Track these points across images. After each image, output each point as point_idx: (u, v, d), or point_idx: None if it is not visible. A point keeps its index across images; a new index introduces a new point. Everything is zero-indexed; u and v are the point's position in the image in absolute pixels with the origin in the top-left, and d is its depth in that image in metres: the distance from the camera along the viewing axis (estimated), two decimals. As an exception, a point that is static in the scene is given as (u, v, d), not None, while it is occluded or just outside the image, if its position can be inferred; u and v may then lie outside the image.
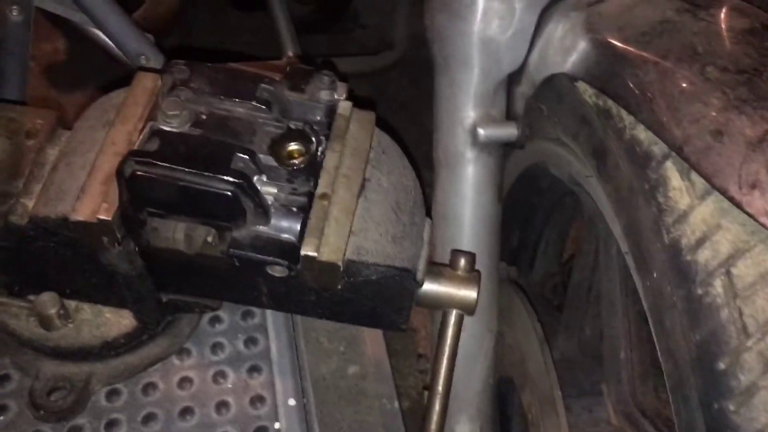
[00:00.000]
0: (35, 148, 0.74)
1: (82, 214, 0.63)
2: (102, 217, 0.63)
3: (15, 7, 0.96)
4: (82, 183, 0.66)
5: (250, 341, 0.89)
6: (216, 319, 0.90)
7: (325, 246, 0.63)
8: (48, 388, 0.81)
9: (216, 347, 0.88)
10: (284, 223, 0.64)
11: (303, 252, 0.63)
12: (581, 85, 0.74)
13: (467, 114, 0.89)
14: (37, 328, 0.79)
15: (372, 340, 1.23)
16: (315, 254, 0.63)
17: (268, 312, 0.92)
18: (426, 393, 1.25)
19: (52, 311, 0.77)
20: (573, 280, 1.03)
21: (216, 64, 0.68)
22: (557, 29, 0.81)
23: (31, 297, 0.79)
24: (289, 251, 0.64)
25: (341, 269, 0.64)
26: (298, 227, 0.64)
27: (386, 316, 0.74)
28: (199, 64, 0.67)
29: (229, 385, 0.85)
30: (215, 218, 0.63)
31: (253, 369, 0.87)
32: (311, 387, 1.02)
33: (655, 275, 0.63)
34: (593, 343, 1.03)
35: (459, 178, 0.92)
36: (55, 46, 2.18)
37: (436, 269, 0.76)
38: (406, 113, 1.81)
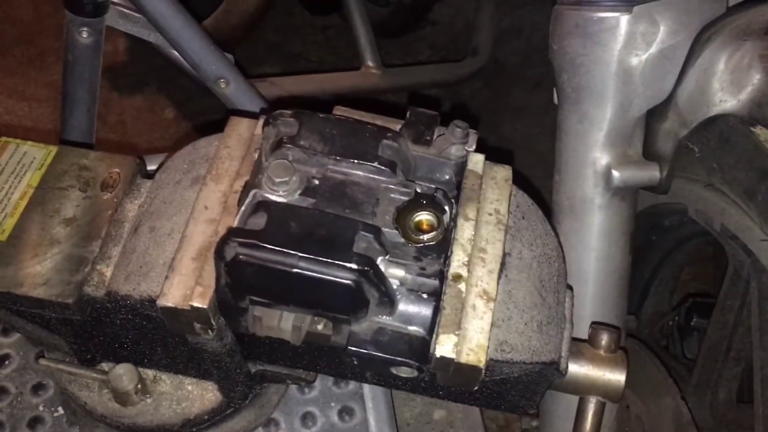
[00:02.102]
0: (113, 203, 0.64)
1: (172, 298, 0.53)
2: (196, 304, 0.52)
3: (85, 29, 0.86)
4: (169, 256, 0.55)
5: (345, 412, 0.78)
6: (306, 386, 0.80)
7: (464, 343, 0.52)
8: (122, 466, 0.71)
9: (307, 418, 0.77)
10: (413, 313, 0.52)
11: (438, 353, 0.51)
12: (762, 132, 0.61)
13: (599, 154, 0.76)
14: (111, 402, 0.70)
15: (459, 381, 1.11)
16: (453, 356, 0.51)
17: (364, 376, 0.81)
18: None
19: (129, 387, 0.67)
20: (708, 340, 0.89)
21: (328, 114, 0.56)
22: (720, 60, 0.67)
23: (105, 366, 0.69)
24: (418, 349, 0.52)
25: (482, 372, 0.52)
26: (429, 317, 0.52)
27: (515, 402, 0.63)
28: (308, 115, 0.55)
29: (324, 465, 0.75)
30: (332, 310, 0.52)
31: (350, 445, 0.76)
32: (394, 435, 0.90)
33: None
34: (729, 408, 0.90)
35: (585, 226, 0.79)
36: (116, 45, 2.11)
37: (575, 348, 0.64)
38: (484, 126, 1.68)
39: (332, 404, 0.79)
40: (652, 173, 0.76)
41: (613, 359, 0.64)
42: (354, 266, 0.49)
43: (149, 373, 0.71)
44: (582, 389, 0.64)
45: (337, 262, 0.49)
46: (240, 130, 0.61)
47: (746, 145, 0.63)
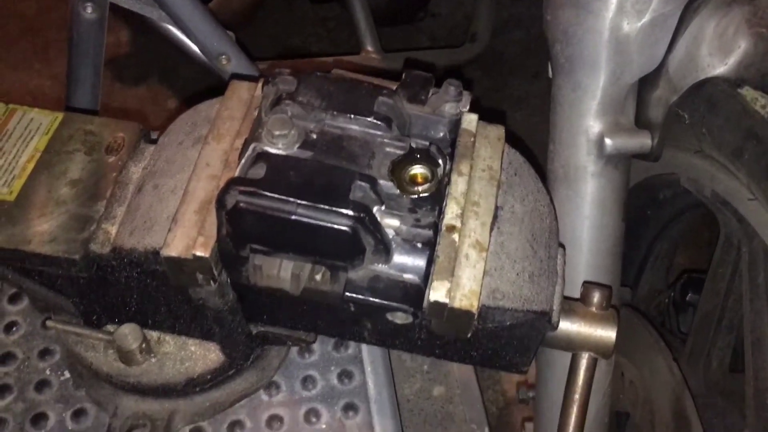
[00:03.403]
0: (117, 166, 0.66)
1: (174, 249, 0.55)
2: (198, 253, 0.54)
3: (89, 4, 0.88)
4: (173, 210, 0.57)
5: (345, 375, 0.80)
6: (306, 350, 0.81)
7: (457, 290, 0.54)
8: (127, 426, 0.73)
9: (307, 381, 0.79)
10: (408, 262, 0.54)
11: (432, 298, 0.53)
12: (748, 93, 0.63)
13: (592, 122, 0.78)
14: (116, 362, 0.72)
15: (458, 358, 1.13)
16: (446, 300, 0.53)
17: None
18: (528, 426, 1.16)
19: (134, 346, 0.69)
20: (701, 308, 0.91)
21: (325, 74, 0.58)
22: (709, 26, 0.69)
23: (110, 327, 0.71)
24: (413, 295, 0.54)
25: (475, 316, 0.54)
26: (423, 266, 0.54)
27: (509, 359, 0.65)
28: (306, 74, 0.57)
29: (323, 426, 0.76)
30: (329, 257, 0.53)
31: (349, 407, 0.78)
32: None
33: None
34: (722, 376, 0.91)
35: (579, 194, 0.81)
36: (118, 37, 2.13)
37: (567, 306, 0.66)
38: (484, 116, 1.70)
39: (332, 368, 0.80)
40: (643, 140, 0.78)
41: (604, 316, 0.66)
42: (350, 212, 0.51)
43: (153, 334, 0.72)
44: (574, 345, 0.66)
45: (334, 208, 0.51)
46: (240, 92, 0.63)
47: (733, 106, 0.65)
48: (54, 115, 0.69)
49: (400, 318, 0.55)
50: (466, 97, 0.61)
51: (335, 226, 0.51)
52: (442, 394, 1.20)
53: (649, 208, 1.02)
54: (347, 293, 0.54)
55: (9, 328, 0.81)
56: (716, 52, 0.67)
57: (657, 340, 0.87)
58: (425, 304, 0.54)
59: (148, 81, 2.00)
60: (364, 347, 0.83)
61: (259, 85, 0.62)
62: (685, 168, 0.81)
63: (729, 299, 0.88)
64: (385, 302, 0.54)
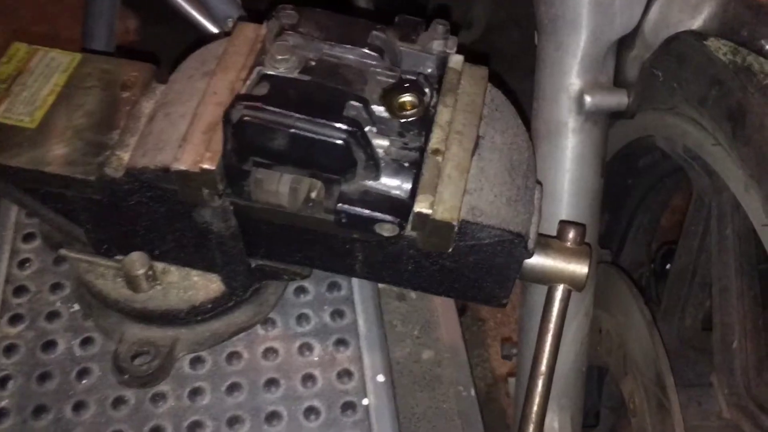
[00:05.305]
0: (131, 101, 0.72)
1: (184, 162, 0.60)
2: (206, 166, 0.59)
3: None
4: (183, 132, 0.63)
5: (337, 314, 0.85)
6: (301, 290, 0.87)
7: (440, 204, 0.59)
8: (132, 352, 0.78)
9: (301, 318, 0.84)
10: (395, 179, 0.60)
11: (416, 209, 0.58)
12: (713, 43, 0.68)
13: (573, 80, 0.83)
14: (123, 289, 0.77)
15: (447, 324, 1.19)
16: (429, 212, 0.58)
17: (355, 285, 0.88)
18: (510, 380, 1.20)
19: (141, 272, 0.74)
20: (675, 266, 0.96)
21: (325, 10, 0.64)
22: (680, -14, 0.75)
23: (119, 258, 0.76)
24: (399, 208, 0.59)
25: (455, 229, 0.59)
26: (410, 184, 0.60)
27: (488, 290, 0.70)
28: (308, 9, 0.63)
29: (315, 358, 0.81)
30: (324, 169, 0.59)
31: (340, 342, 0.83)
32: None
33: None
34: (695, 333, 0.96)
35: (560, 149, 0.86)
36: (126, 25, 2.19)
37: (543, 240, 0.71)
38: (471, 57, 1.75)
39: (325, 307, 0.85)
40: (620, 98, 0.83)
41: (578, 251, 0.71)
42: (344, 126, 0.56)
43: (159, 265, 0.77)
44: (549, 278, 0.71)
45: (329, 123, 0.56)
46: (246, 32, 0.68)
47: (699, 57, 0.70)
48: (73, 55, 0.75)
49: (387, 230, 0.60)
50: (453, 40, 0.66)
51: (330, 140, 0.56)
52: (431, 357, 1.24)
53: (629, 177, 1.07)
54: (340, 204, 0.59)
55: (22, 264, 0.86)
56: (687, 9, 0.72)
57: (631, 288, 0.92)
58: (411, 215, 0.59)
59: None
60: (356, 289, 0.88)
61: (265, 24, 0.67)
62: (660, 128, 0.86)
63: (701, 257, 0.93)
64: (374, 213, 0.59)
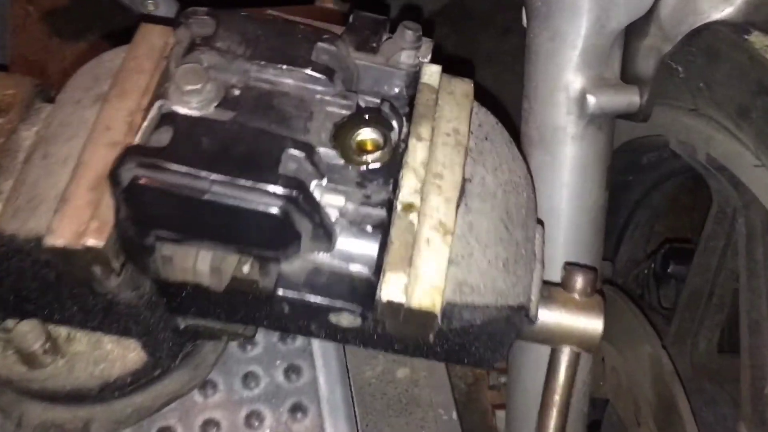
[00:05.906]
0: (5, 130, 0.54)
1: (61, 236, 0.44)
2: (90, 243, 0.43)
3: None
4: (62, 187, 0.46)
5: (292, 371, 0.70)
6: (248, 342, 0.71)
7: (416, 284, 0.43)
8: (35, 437, 0.63)
9: (248, 378, 0.69)
10: (355, 249, 0.44)
11: (385, 297, 0.42)
12: (758, 39, 0.53)
13: (573, 76, 0.68)
14: (17, 364, 0.61)
15: (423, 337, 1.04)
16: (402, 300, 0.42)
17: (313, 330, 0.73)
18: (498, 414, 1.07)
19: (36, 346, 0.58)
20: (689, 285, 0.83)
21: (252, 13, 0.47)
22: (710, -40, 0.59)
23: (10, 323, 0.60)
24: (361, 291, 0.44)
25: (438, 318, 0.44)
26: (374, 254, 0.44)
27: (478, 355, 0.55)
28: (228, 13, 0.46)
29: (267, 430, 0.67)
30: (256, 246, 0.43)
31: (297, 408, 0.68)
32: (354, 395, 0.83)
33: None
34: (710, 358, 0.84)
35: (558, 160, 0.71)
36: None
37: (546, 292, 0.56)
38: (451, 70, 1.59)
39: (277, 362, 0.71)
40: (631, 97, 0.68)
41: (588, 304, 0.57)
42: (279, 190, 0.40)
43: (62, 331, 0.62)
44: (555, 338, 0.57)
45: (258, 185, 0.40)
46: (152, 38, 0.51)
47: (739, 56, 0.55)
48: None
49: (346, 320, 0.45)
50: (427, 45, 0.50)
51: (260, 208, 0.40)
52: (406, 376, 1.13)
53: (630, 173, 0.93)
54: (280, 290, 0.43)
55: None
56: (717, -5, 0.57)
57: (643, 323, 0.79)
58: (377, 302, 0.43)
59: (88, 36, 1.85)
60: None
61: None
62: (675, 129, 0.71)
63: (720, 275, 0.80)
64: (327, 301, 0.43)
